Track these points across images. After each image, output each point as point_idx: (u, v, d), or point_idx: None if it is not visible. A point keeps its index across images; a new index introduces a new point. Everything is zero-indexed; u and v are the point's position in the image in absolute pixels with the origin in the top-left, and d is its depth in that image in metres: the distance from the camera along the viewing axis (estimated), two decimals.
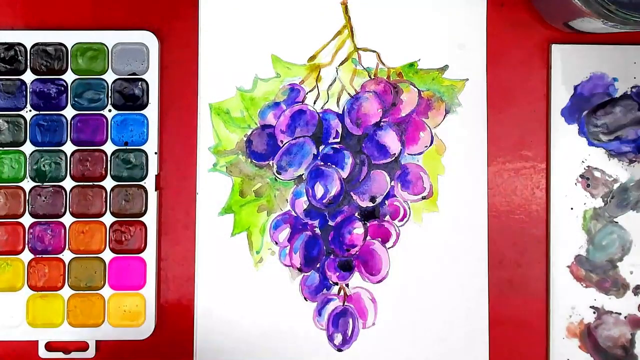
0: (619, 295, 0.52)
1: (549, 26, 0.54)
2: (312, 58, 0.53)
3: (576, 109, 0.53)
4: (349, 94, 0.53)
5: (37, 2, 0.54)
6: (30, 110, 0.52)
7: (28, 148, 0.52)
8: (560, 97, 0.53)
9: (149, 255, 0.52)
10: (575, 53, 0.53)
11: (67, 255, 0.52)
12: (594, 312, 0.52)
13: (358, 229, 0.52)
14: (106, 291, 0.52)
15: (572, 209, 0.53)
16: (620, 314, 0.52)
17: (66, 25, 0.53)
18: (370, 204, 0.53)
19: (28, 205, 0.52)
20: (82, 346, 0.52)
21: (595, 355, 0.52)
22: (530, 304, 0.53)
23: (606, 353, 0.52)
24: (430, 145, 0.53)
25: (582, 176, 0.53)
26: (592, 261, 0.53)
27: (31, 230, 0.52)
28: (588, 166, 0.53)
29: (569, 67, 0.53)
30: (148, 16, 0.54)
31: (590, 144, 0.53)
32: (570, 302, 0.52)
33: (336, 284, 0.52)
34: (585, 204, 0.53)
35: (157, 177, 0.53)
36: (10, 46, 0.53)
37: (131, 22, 0.54)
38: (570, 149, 0.53)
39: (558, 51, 0.53)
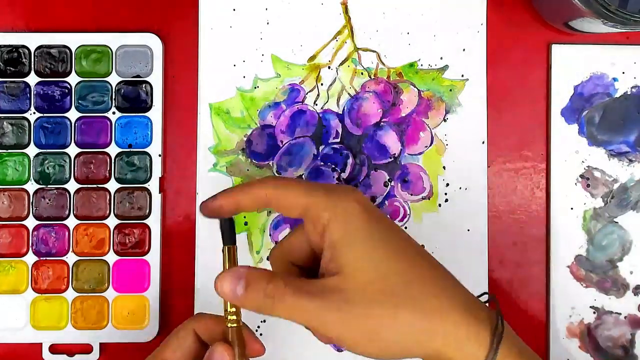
0: (619, 295, 0.52)
1: (549, 26, 0.53)
2: (312, 58, 0.53)
3: (576, 109, 0.53)
4: (349, 94, 0.53)
5: (39, 4, 0.54)
6: (34, 113, 0.53)
7: (32, 150, 0.53)
8: (560, 97, 0.53)
9: (153, 257, 0.52)
10: (575, 53, 0.53)
11: (71, 258, 0.52)
12: (594, 312, 0.52)
13: None
14: (110, 293, 0.52)
15: (572, 209, 0.53)
16: (620, 314, 0.52)
17: (67, 26, 0.54)
18: None
19: (32, 207, 0.52)
20: (86, 348, 0.52)
21: (595, 355, 0.52)
22: (530, 304, 0.53)
23: (606, 353, 0.52)
24: (430, 145, 0.53)
25: (582, 176, 0.53)
26: (592, 261, 0.52)
27: (35, 233, 0.52)
28: (588, 166, 0.53)
29: (569, 67, 0.53)
30: (148, 17, 0.54)
31: (590, 144, 0.53)
32: (570, 302, 0.52)
33: None
34: (585, 204, 0.53)
35: (161, 179, 0.53)
36: (14, 48, 0.53)
37: (132, 23, 0.54)
38: (570, 149, 0.53)
39: (558, 51, 0.53)
